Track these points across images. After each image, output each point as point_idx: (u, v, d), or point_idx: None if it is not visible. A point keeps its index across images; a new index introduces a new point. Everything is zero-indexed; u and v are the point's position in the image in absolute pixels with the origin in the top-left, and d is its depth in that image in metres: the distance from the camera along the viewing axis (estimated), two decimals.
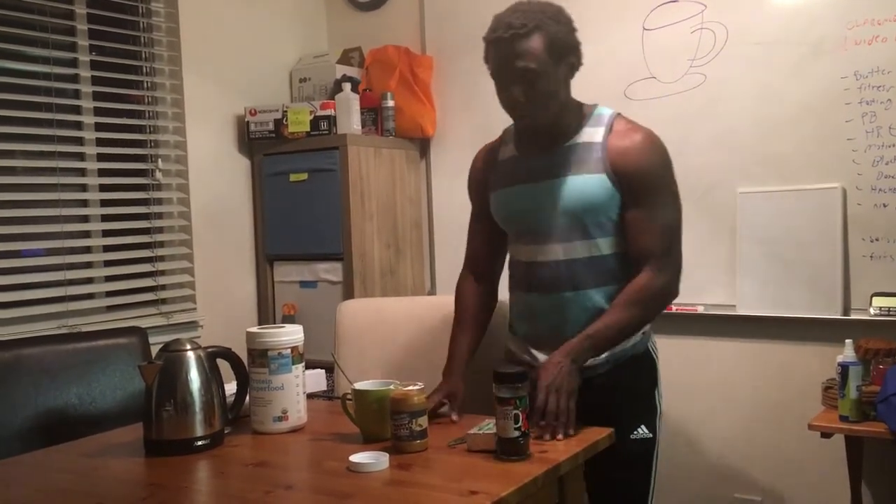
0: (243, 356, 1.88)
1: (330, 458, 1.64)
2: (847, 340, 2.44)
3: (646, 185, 1.86)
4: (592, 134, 1.90)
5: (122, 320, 2.87)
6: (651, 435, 1.93)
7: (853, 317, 2.62)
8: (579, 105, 1.95)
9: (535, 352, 1.97)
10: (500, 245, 2.07)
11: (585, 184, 1.87)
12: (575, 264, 1.89)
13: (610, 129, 1.90)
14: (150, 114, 3.13)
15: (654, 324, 1.97)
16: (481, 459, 1.58)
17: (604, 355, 1.89)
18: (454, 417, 1.83)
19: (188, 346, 1.77)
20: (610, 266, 1.90)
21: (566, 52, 1.86)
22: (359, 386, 1.76)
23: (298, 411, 1.86)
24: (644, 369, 1.98)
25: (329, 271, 3.20)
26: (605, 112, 1.94)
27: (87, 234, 2.95)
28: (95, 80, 2.96)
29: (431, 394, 1.85)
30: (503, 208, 2.00)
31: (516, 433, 1.56)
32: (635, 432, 1.89)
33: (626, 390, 1.92)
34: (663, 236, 1.87)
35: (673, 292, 1.90)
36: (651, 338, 2.01)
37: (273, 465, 1.65)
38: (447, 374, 1.96)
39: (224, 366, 1.84)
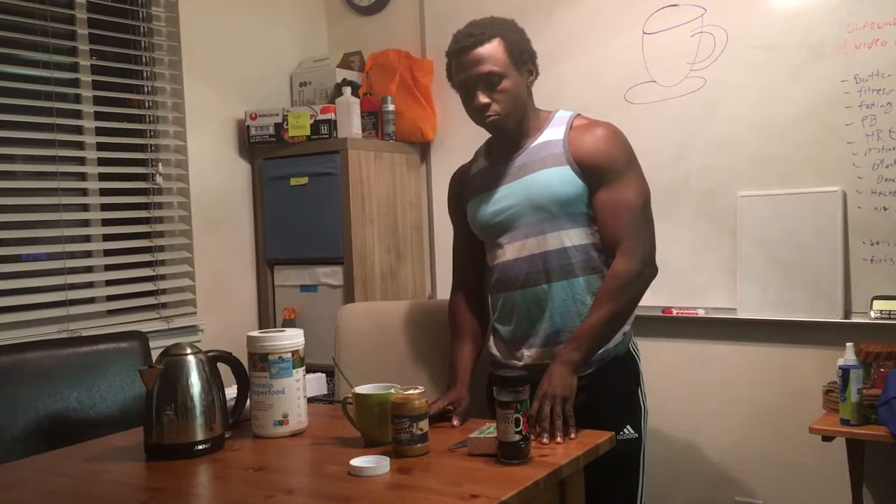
0: (244, 360, 1.88)
1: (331, 462, 1.64)
2: (848, 344, 2.44)
3: (610, 171, 1.93)
4: (553, 133, 1.99)
5: (123, 324, 2.88)
6: (637, 435, 1.96)
7: (854, 320, 2.62)
8: (541, 111, 2.05)
9: (518, 352, 2.01)
10: (483, 258, 2.12)
11: (550, 177, 1.94)
12: (548, 256, 1.95)
13: (570, 127, 1.99)
14: (151, 118, 3.13)
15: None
16: (482, 463, 1.58)
17: None
18: (455, 423, 1.84)
19: (189, 351, 1.77)
20: (583, 256, 1.95)
21: (525, 58, 1.97)
22: (359, 390, 1.76)
23: (299, 415, 1.86)
24: (627, 370, 2.01)
25: (329, 275, 3.20)
26: (566, 114, 2.04)
27: (87, 239, 2.95)
28: (96, 85, 2.96)
29: (436, 400, 1.87)
30: (478, 215, 2.06)
31: (517, 437, 1.56)
32: (622, 433, 1.91)
33: (610, 391, 1.95)
34: (633, 218, 1.93)
35: (649, 273, 1.95)
36: (632, 338, 2.05)
37: (274, 469, 1.65)
38: (451, 384, 1.98)
39: (225, 370, 1.84)
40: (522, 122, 2.00)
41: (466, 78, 1.94)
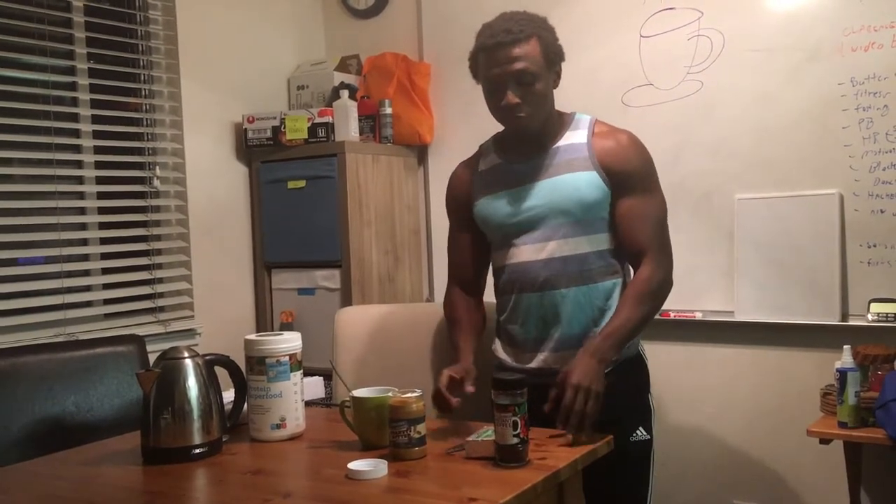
0: (241, 364, 1.88)
1: (328, 465, 1.64)
2: (845, 346, 2.44)
3: (636, 180, 1.93)
4: (576, 136, 1.98)
5: (120, 328, 2.87)
6: (649, 437, 1.97)
7: (851, 323, 2.62)
8: (560, 113, 2.04)
9: (529, 356, 1.99)
10: (484, 255, 2.11)
11: (577, 181, 1.93)
12: (568, 260, 1.94)
13: (592, 132, 1.98)
14: (148, 121, 3.13)
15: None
16: (480, 466, 1.57)
17: None
18: (469, 389, 1.79)
19: (186, 354, 1.77)
20: (603, 262, 1.95)
21: (556, 59, 1.97)
22: (357, 393, 1.76)
23: (297, 419, 1.86)
24: (638, 372, 2.02)
25: (327, 278, 3.20)
26: (585, 117, 2.03)
27: (84, 242, 2.94)
28: (93, 88, 2.96)
29: (442, 373, 1.83)
30: (493, 214, 2.03)
31: (515, 440, 1.56)
32: (634, 434, 1.92)
33: (623, 394, 1.94)
34: (656, 229, 1.94)
35: (671, 283, 1.96)
36: (639, 341, 2.05)
37: (271, 472, 1.65)
38: (455, 361, 1.94)
39: (222, 373, 1.84)
40: (545, 123, 1.98)
41: (499, 74, 1.90)
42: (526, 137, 1.99)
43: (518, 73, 1.88)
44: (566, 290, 1.93)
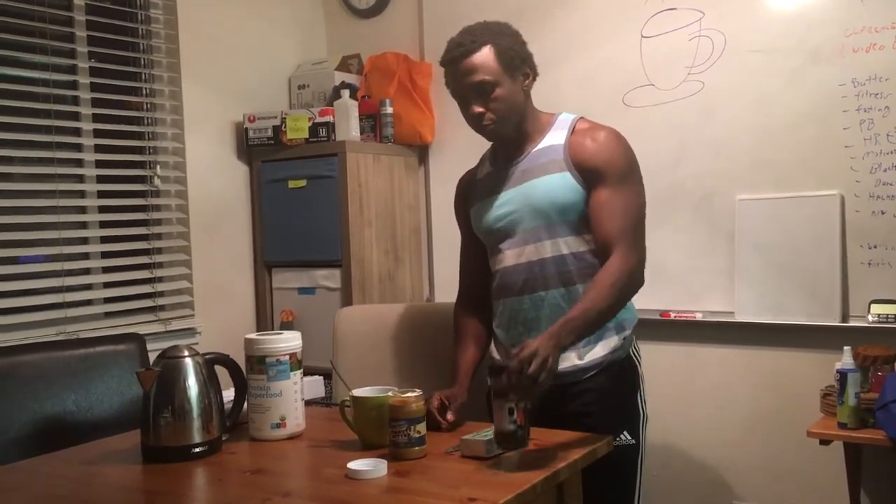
0: (241, 363, 1.88)
1: (328, 465, 1.64)
2: (845, 347, 2.44)
3: (610, 174, 1.90)
4: (555, 137, 1.98)
5: (120, 327, 2.87)
6: (634, 441, 1.94)
7: (852, 324, 2.62)
8: (543, 114, 2.03)
9: None
10: (489, 264, 2.10)
11: (550, 183, 1.93)
12: (546, 263, 1.94)
13: (572, 131, 1.97)
14: (149, 120, 3.13)
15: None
16: (480, 466, 1.58)
17: (585, 361, 1.92)
18: (450, 417, 1.82)
19: (186, 353, 1.77)
20: (582, 264, 1.94)
21: (519, 63, 1.95)
22: (357, 393, 1.76)
23: (296, 418, 1.86)
24: (627, 375, 1.99)
25: (327, 278, 3.20)
26: (568, 117, 2.02)
27: (85, 241, 2.94)
28: (94, 87, 2.96)
29: (431, 396, 1.86)
30: (481, 220, 2.05)
31: (512, 427, 1.56)
32: (618, 439, 1.89)
33: (608, 396, 1.94)
34: (629, 221, 1.90)
35: (641, 278, 1.90)
36: (633, 342, 2.03)
37: (271, 472, 1.65)
38: (451, 384, 1.98)
39: (222, 372, 1.84)
40: (522, 127, 1.99)
41: (458, 88, 1.94)
42: (506, 143, 2.01)
43: (476, 85, 1.90)
44: (545, 292, 1.94)
